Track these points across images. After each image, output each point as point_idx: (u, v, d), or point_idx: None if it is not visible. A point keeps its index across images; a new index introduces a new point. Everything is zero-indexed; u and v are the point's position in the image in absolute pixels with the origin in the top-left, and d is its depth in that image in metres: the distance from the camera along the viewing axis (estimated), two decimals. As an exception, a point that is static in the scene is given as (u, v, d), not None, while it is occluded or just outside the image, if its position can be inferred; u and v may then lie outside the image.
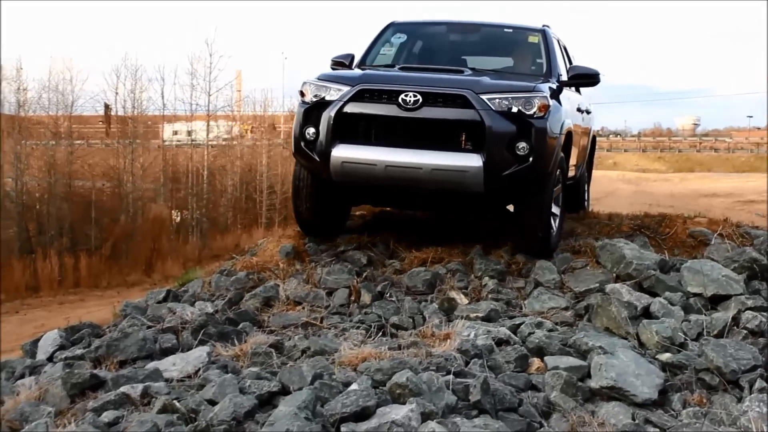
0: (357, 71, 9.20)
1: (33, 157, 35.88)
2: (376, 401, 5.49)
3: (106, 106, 45.60)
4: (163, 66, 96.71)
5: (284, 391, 5.93)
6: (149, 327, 7.66)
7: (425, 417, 5.33)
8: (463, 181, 8.20)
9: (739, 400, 6.22)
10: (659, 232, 9.83)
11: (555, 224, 9.00)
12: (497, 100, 8.22)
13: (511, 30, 10.85)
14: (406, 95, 8.22)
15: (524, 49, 10.42)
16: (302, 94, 8.92)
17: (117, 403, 6.01)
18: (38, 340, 8.03)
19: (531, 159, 8.19)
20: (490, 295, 8.10)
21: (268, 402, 5.85)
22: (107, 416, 5.81)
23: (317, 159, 8.59)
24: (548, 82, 9.18)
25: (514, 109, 8.23)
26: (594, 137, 13.25)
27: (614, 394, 6.27)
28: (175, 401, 5.84)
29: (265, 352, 6.82)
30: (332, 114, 8.46)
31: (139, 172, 38.01)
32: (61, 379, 6.43)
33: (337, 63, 10.04)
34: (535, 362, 6.68)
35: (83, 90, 75.84)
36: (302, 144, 8.75)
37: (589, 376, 6.50)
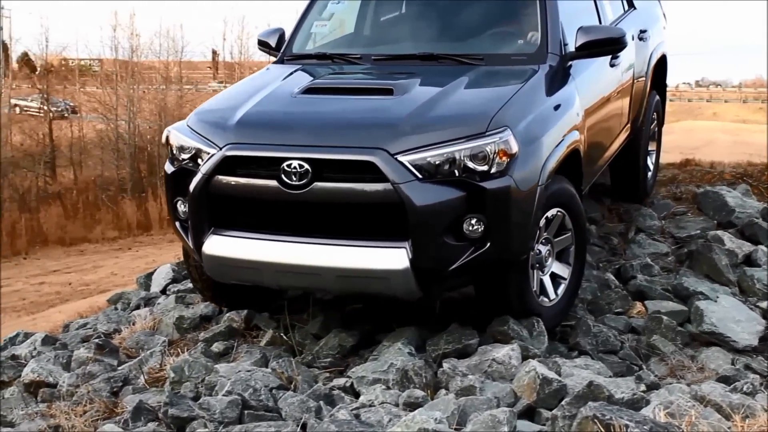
0: (234, 115, 5.77)
1: (145, 101, 36.45)
2: (477, 340, 5.47)
3: (214, 52, 46.11)
4: (269, 12, 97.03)
5: (388, 327, 5.95)
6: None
7: (525, 356, 5.29)
8: (387, 289, 5.40)
9: None
10: (762, 181, 9.55)
11: (557, 291, 5.99)
12: (426, 160, 5.19)
13: None
14: (289, 165, 5.28)
15: (510, 9, 7.07)
16: (168, 145, 6.08)
17: (226, 334, 6.12)
18: (152, 273, 8.21)
19: (489, 242, 5.24)
20: (591, 240, 7.95)
21: (371, 338, 5.88)
22: (217, 347, 5.92)
23: (192, 247, 5.83)
24: (541, 63, 6.23)
25: (455, 170, 5.22)
26: (663, 59, 9.17)
27: (714, 339, 6.16)
28: (282, 335, 5.92)
29: (368, 289, 6.83)
30: (197, 190, 5.58)
31: (245, 117, 38.39)
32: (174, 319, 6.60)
33: (262, 44, 7.28)
34: (636, 306, 6.58)
35: (193, 37, 76.83)
36: (176, 222, 6.01)
37: (689, 321, 6.40)
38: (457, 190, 5.20)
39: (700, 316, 6.28)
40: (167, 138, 6.04)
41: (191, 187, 5.60)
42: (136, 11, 48.75)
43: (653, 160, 9.20)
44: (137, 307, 7.46)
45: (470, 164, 5.20)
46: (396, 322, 5.87)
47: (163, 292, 7.69)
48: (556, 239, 5.91)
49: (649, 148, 8.98)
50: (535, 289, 5.77)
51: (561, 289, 6.01)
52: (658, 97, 9.12)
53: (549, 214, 5.76)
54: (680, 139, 11.44)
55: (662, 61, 9.18)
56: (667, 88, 9.82)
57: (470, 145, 5.22)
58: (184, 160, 5.81)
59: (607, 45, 6.47)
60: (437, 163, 5.20)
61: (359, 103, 5.93)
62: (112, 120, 35.11)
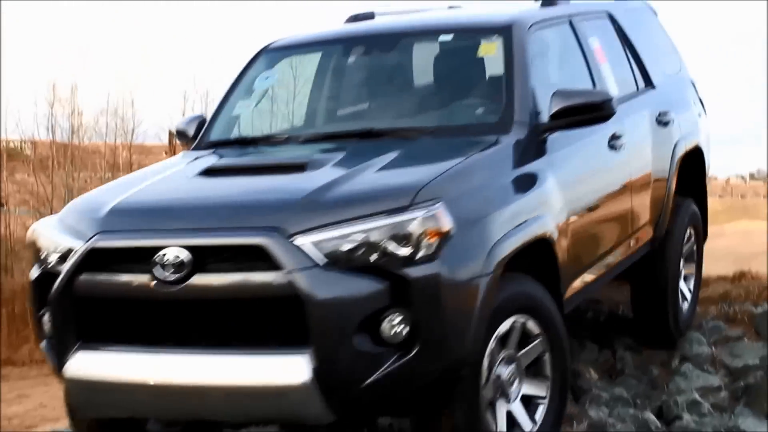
0: (110, 202, 5.52)
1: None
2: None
3: (171, 134, 46.40)
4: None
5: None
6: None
7: None
8: (287, 411, 5.01)
9: None
10: (835, 299, 9.56)
11: (535, 417, 5.62)
12: (331, 241, 4.86)
13: (450, 39, 7.15)
14: (165, 256, 4.94)
15: (471, 75, 6.92)
16: (33, 246, 5.76)
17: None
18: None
19: (416, 347, 4.81)
20: (626, 370, 7.91)
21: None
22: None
23: (58, 370, 5.41)
24: (503, 134, 5.99)
25: (371, 255, 4.85)
26: (699, 152, 8.67)
27: (778, 497, 6.09)
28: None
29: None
30: (58, 293, 5.23)
31: (207, 212, 38.60)
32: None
33: (180, 134, 7.26)
34: (683, 454, 6.53)
35: (146, 115, 77.44)
36: (42, 341, 5.64)
37: (747, 473, 6.33)
38: (372, 280, 4.81)
39: (760, 467, 6.22)
40: (32, 236, 5.73)
41: (52, 289, 5.25)
42: (79, 84, 48.99)
43: (690, 287, 8.65)
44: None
45: (390, 247, 4.83)
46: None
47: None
48: (520, 352, 5.53)
49: (685, 273, 8.51)
50: (500, 430, 5.38)
51: (540, 413, 5.61)
52: (694, 207, 8.60)
53: (507, 323, 5.38)
54: (733, 245, 11.39)
55: (696, 156, 8.65)
56: (717, 181, 9.66)
57: (389, 222, 4.87)
58: (51, 262, 5.47)
59: (587, 111, 6.14)
60: (347, 245, 4.84)
61: (261, 181, 5.69)
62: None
